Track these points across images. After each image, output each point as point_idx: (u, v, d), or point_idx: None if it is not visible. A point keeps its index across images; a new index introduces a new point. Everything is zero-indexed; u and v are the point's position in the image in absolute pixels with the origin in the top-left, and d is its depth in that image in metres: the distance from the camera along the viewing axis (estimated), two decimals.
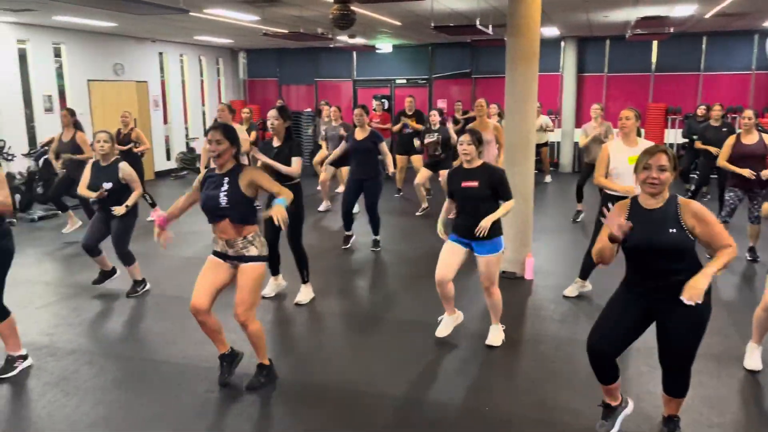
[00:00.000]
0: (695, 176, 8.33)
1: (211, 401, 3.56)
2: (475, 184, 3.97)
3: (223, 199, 3.44)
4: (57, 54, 10.90)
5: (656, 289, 2.79)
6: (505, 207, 4.01)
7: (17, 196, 8.76)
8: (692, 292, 2.60)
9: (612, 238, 2.72)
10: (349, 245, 6.91)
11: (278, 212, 3.32)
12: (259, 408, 3.51)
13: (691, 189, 8.70)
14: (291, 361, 4.13)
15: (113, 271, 5.56)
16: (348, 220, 6.88)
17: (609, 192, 4.67)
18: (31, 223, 8.41)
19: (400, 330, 4.64)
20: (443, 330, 4.34)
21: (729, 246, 2.71)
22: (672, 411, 3.08)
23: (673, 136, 12.59)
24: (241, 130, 6.33)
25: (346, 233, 6.96)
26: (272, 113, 4.90)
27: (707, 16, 9.49)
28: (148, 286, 5.50)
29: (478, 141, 4.03)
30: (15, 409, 3.50)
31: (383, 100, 13.77)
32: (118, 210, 5.13)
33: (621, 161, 4.61)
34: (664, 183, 2.72)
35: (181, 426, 3.30)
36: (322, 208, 9.11)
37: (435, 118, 8.27)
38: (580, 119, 13.38)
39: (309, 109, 14.53)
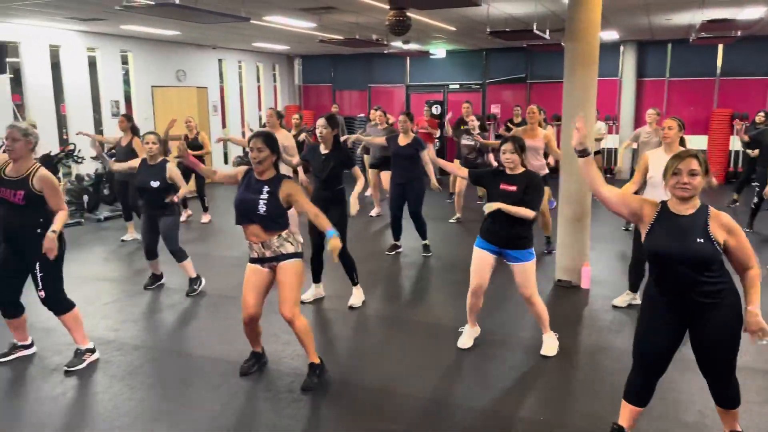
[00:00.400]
0: (757, 187, 7.91)
1: (267, 400, 3.64)
2: (513, 188, 3.94)
3: (262, 207, 3.53)
4: (124, 61, 11.39)
5: (684, 299, 2.72)
6: (521, 210, 3.88)
7: (85, 197, 9.19)
8: (759, 331, 2.58)
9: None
10: (393, 253, 6.91)
11: (335, 246, 3.38)
12: (311, 409, 3.56)
13: (754, 202, 8.30)
14: (334, 362, 4.17)
15: (161, 276, 5.81)
16: (397, 227, 6.86)
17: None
18: (98, 223, 8.80)
19: (439, 333, 4.61)
20: (466, 341, 4.34)
21: (754, 267, 2.68)
22: (731, 426, 2.99)
23: (740, 142, 12.07)
24: (288, 137, 6.46)
25: (394, 242, 6.96)
26: (321, 122, 5.00)
27: None
28: (203, 282, 5.69)
29: (520, 148, 4.00)
30: (82, 400, 3.67)
31: (436, 105, 13.79)
32: (179, 196, 5.39)
33: (660, 170, 4.46)
34: (696, 188, 2.66)
35: (240, 423, 3.39)
36: (373, 213, 9.18)
37: (474, 122, 8.15)
38: (638, 125, 13.03)
39: (362, 114, 14.65)
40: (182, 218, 8.58)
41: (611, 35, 11.32)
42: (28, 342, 4.23)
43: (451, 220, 8.56)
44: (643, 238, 2.79)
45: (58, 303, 3.95)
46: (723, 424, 3.03)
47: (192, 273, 5.61)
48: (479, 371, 4.04)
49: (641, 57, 12.83)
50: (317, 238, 4.93)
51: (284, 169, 7.12)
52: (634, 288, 5.11)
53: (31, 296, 4.02)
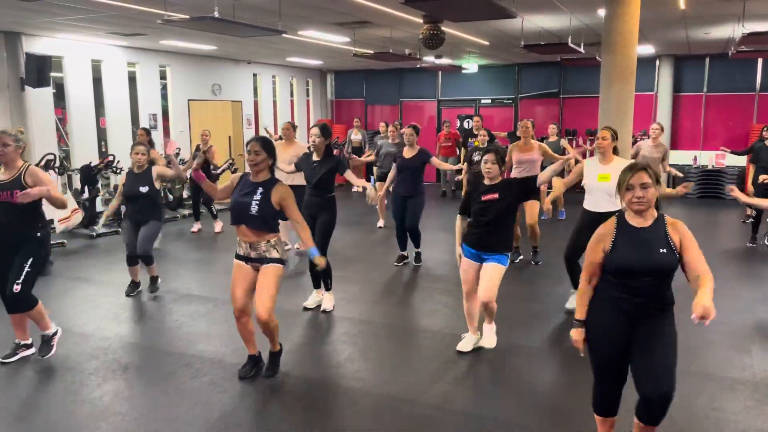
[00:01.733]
0: None
1: (275, 398, 3.65)
2: (495, 195, 4.15)
3: (254, 208, 3.72)
4: (162, 76, 11.69)
5: (640, 307, 2.71)
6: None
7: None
8: (706, 311, 2.43)
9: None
10: (401, 264, 6.92)
11: (320, 264, 3.86)
12: (292, 406, 3.55)
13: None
14: (326, 367, 4.20)
15: (140, 284, 5.90)
16: (402, 238, 6.92)
17: (589, 209, 4.82)
18: (90, 239, 8.81)
19: (442, 341, 4.56)
20: (465, 345, 4.43)
21: (708, 272, 2.64)
22: None
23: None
24: (303, 148, 6.60)
25: (401, 253, 6.99)
26: (315, 131, 5.22)
27: None
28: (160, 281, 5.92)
29: (501, 160, 4.24)
30: (119, 403, 3.72)
31: (468, 119, 13.77)
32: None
33: (592, 178, 4.81)
34: (650, 200, 2.69)
35: (226, 417, 3.40)
36: (380, 224, 9.22)
37: (483, 137, 8.09)
38: (676, 140, 12.81)
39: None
40: (194, 229, 8.89)
41: (647, 49, 11.19)
42: (29, 341, 4.36)
43: None
44: (604, 256, 2.76)
45: (28, 300, 4.11)
46: None
47: (155, 272, 5.86)
48: (473, 377, 4.08)
49: (678, 71, 12.63)
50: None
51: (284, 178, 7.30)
52: (576, 285, 5.13)
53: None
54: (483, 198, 4.17)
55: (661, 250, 2.67)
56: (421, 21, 7.36)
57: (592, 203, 4.81)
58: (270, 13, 7.03)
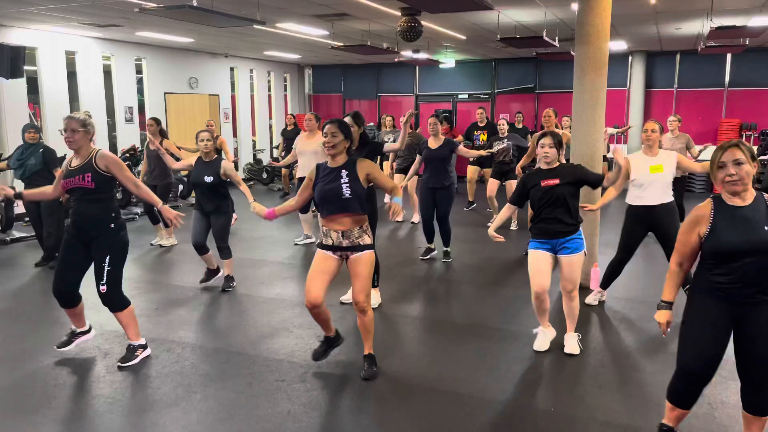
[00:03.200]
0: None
1: (281, 389, 3.69)
2: (556, 181, 4.00)
3: (346, 191, 3.57)
4: (138, 69, 11.58)
5: (745, 294, 2.58)
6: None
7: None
8: None
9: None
10: (428, 257, 6.87)
11: (398, 209, 3.58)
12: (326, 398, 3.61)
13: None
14: (356, 358, 4.21)
15: (218, 270, 5.88)
16: (429, 231, 6.82)
17: (633, 204, 4.83)
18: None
19: (467, 333, 4.66)
20: (542, 344, 4.28)
21: None
22: None
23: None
24: (303, 139, 6.64)
25: (428, 245, 6.91)
26: (347, 120, 5.04)
27: None
28: (235, 283, 5.83)
29: (558, 144, 4.07)
30: (99, 387, 3.73)
31: (446, 114, 13.91)
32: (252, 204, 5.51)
33: (643, 171, 4.74)
34: (745, 177, 2.54)
35: (254, 411, 3.45)
36: (414, 219, 9.02)
37: (504, 126, 8.29)
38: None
39: (371, 123, 14.78)
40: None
41: (620, 45, 11.42)
42: (86, 327, 4.27)
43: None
44: (703, 240, 2.64)
45: (118, 299, 3.99)
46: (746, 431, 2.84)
47: (231, 271, 5.81)
48: (497, 366, 4.08)
49: (650, 67, 12.91)
50: None
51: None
52: (605, 285, 5.26)
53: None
54: (543, 183, 4.00)
55: (766, 228, 2.52)
56: (398, 14, 7.43)
57: (643, 198, 4.72)
58: (248, 4, 7.03)
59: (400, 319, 5.04)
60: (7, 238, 7.68)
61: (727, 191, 2.61)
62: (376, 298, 5.26)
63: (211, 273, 5.86)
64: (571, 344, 4.24)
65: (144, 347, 4.15)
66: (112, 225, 3.90)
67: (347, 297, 5.28)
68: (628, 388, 3.73)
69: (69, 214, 4.05)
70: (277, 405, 3.52)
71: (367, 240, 3.69)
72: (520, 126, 11.24)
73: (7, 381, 3.83)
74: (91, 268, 3.96)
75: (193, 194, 7.39)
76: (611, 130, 8.58)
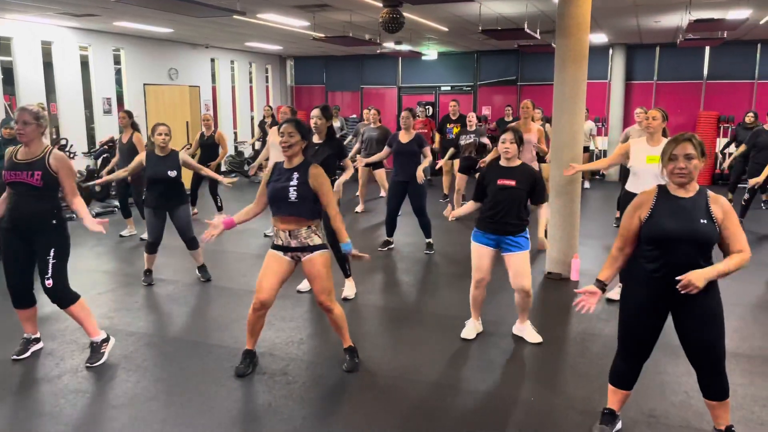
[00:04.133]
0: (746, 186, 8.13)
1: (262, 382, 3.69)
2: (512, 182, 4.00)
3: (292, 194, 3.52)
4: (116, 59, 11.40)
5: (676, 283, 2.65)
6: (546, 210, 4.12)
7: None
8: (690, 277, 2.54)
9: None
10: (386, 249, 6.93)
11: (357, 256, 3.69)
12: (306, 391, 3.61)
13: (745, 198, 8.47)
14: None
15: (152, 271, 5.73)
16: (391, 224, 6.88)
17: (630, 191, 4.69)
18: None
19: (443, 324, 4.69)
20: (470, 332, 4.38)
21: (743, 251, 2.67)
22: (722, 420, 2.91)
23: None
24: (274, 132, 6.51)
25: (387, 238, 6.98)
26: (315, 113, 5.04)
27: (762, 22, 9.28)
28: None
29: (519, 140, 4.07)
30: (78, 382, 3.69)
31: (427, 107, 13.91)
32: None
33: (639, 160, 4.66)
34: (692, 171, 2.65)
35: (234, 404, 3.43)
36: (358, 209, 9.26)
37: (472, 120, 8.36)
38: (627, 127, 13.20)
39: (354, 115, 14.73)
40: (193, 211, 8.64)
41: (600, 38, 11.49)
42: (38, 335, 4.15)
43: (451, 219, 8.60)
44: (642, 223, 2.75)
45: (65, 293, 3.86)
46: (714, 420, 2.94)
47: (201, 260, 5.75)
48: (478, 358, 4.10)
49: (630, 60, 13.01)
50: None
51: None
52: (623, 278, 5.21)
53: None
54: (499, 182, 4.00)
55: (702, 221, 2.63)
56: (380, 5, 7.39)
57: (637, 185, 4.59)
58: None
59: (379, 311, 5.05)
60: None
61: (674, 182, 2.72)
62: (351, 289, 5.27)
63: (151, 273, 5.70)
64: (531, 333, 4.30)
65: (107, 340, 4.02)
66: (54, 221, 3.78)
67: (303, 286, 5.36)
68: (606, 376, 3.76)
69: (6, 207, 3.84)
70: (258, 397, 3.51)
71: (317, 240, 3.62)
72: (510, 119, 11.17)
73: None
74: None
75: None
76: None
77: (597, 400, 3.44)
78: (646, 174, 4.53)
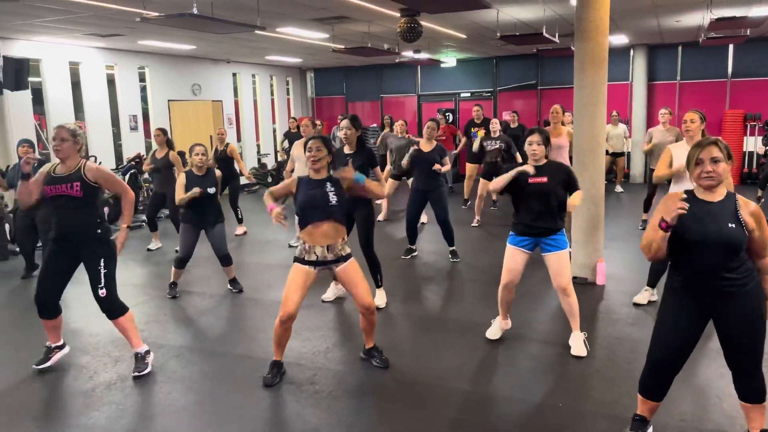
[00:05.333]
0: None
1: (290, 391, 3.73)
2: (544, 179, 3.98)
3: (333, 198, 3.69)
4: (141, 77, 11.66)
5: (710, 287, 2.67)
6: (579, 194, 4.03)
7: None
8: None
9: (665, 225, 2.61)
10: (409, 257, 6.94)
11: (349, 172, 3.78)
12: (334, 400, 3.64)
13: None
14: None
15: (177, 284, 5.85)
16: (412, 233, 6.88)
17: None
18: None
19: (469, 331, 4.69)
20: (495, 332, 4.41)
21: None
22: (757, 424, 2.86)
23: (753, 143, 12.08)
24: (299, 145, 6.59)
25: (410, 246, 6.99)
26: (345, 123, 5.09)
27: None
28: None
29: (546, 141, 4.06)
30: (111, 394, 3.77)
31: (447, 114, 13.95)
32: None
33: (681, 162, 4.48)
34: (720, 175, 2.63)
35: (263, 413, 3.48)
36: (381, 217, 9.28)
37: (495, 126, 8.37)
38: (651, 128, 13.07)
39: (375, 125, 14.80)
40: (238, 231, 8.76)
41: (620, 39, 11.40)
42: (61, 342, 4.26)
43: (473, 224, 8.61)
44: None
45: (117, 304, 3.99)
46: (748, 423, 2.91)
47: (233, 274, 5.87)
48: (505, 364, 4.10)
49: (651, 60, 12.88)
50: None
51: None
52: (652, 284, 5.13)
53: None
54: (531, 181, 3.96)
55: (730, 225, 2.60)
56: (398, 15, 7.45)
57: (682, 189, 4.49)
58: (248, 10, 7.08)
59: (404, 319, 5.06)
60: (17, 249, 7.68)
61: (702, 186, 2.70)
62: (382, 298, 5.29)
63: (176, 286, 5.81)
64: (578, 346, 4.18)
65: (149, 352, 4.15)
66: (99, 230, 3.91)
67: (329, 295, 5.44)
68: (635, 381, 3.72)
69: (50, 225, 3.97)
70: (286, 406, 3.55)
71: (348, 250, 3.81)
72: (516, 125, 11.09)
73: (16, 385, 3.89)
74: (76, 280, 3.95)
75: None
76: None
77: (626, 405, 3.40)
78: (689, 177, 4.45)
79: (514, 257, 4.14)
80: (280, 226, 3.73)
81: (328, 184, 3.74)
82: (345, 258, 3.78)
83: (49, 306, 4.03)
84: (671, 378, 2.88)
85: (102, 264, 3.90)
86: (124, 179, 9.86)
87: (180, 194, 5.51)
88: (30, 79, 9.04)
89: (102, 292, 3.91)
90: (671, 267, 2.82)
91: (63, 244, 3.92)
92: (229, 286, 5.90)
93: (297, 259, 3.77)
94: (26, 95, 9.27)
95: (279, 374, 3.88)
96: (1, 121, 8.94)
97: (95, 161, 9.54)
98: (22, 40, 9.22)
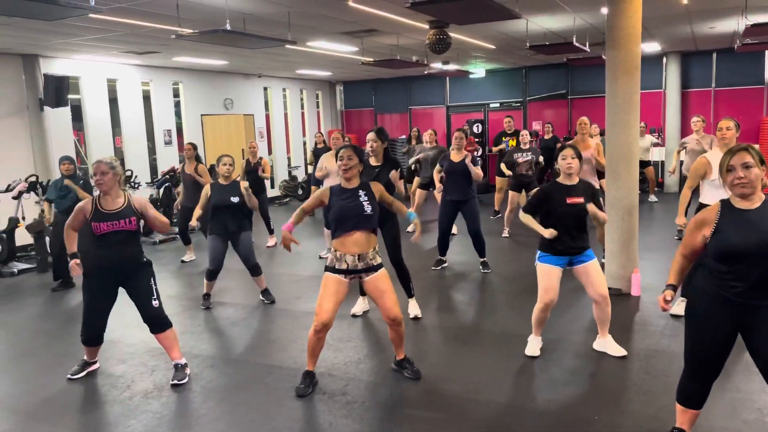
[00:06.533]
0: None
1: (322, 402, 3.74)
2: (580, 200, 3.97)
3: (368, 207, 3.73)
4: (175, 92, 11.93)
5: (748, 297, 2.59)
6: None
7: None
8: None
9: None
10: (439, 268, 6.90)
11: (417, 225, 3.93)
12: (366, 411, 3.64)
13: None
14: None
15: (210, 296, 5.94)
16: (444, 244, 6.84)
17: (705, 203, 4.53)
18: (153, 246, 9.15)
19: (502, 342, 4.65)
20: (535, 350, 4.32)
21: None
22: None
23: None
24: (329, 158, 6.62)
25: (440, 257, 6.94)
26: (371, 136, 5.12)
27: None
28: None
29: (579, 156, 4.04)
30: (148, 403, 3.84)
31: (476, 124, 13.97)
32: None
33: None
34: (753, 181, 2.57)
35: (295, 424, 3.50)
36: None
37: (525, 138, 8.31)
38: (685, 137, 12.83)
39: (403, 136, 14.86)
40: (270, 243, 8.88)
41: (653, 47, 11.25)
42: (96, 359, 4.41)
43: (503, 235, 8.56)
44: (704, 242, 2.69)
45: (164, 317, 4.14)
46: None
47: (264, 285, 5.93)
48: (539, 377, 4.05)
49: (685, 68, 12.67)
50: None
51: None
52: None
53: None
54: (568, 200, 3.94)
55: None
56: (427, 27, 7.50)
57: (718, 198, 4.40)
58: (279, 25, 7.20)
59: (438, 330, 5.04)
60: (15, 270, 7.67)
61: (736, 194, 2.65)
62: (416, 308, 5.28)
63: (209, 297, 5.89)
64: (614, 347, 4.23)
65: (187, 365, 4.25)
66: (144, 259, 4.13)
67: (357, 309, 5.40)
68: (673, 394, 3.63)
69: (95, 256, 4.04)
70: (319, 417, 3.56)
71: (378, 259, 3.82)
72: (549, 136, 11.12)
73: (56, 394, 3.99)
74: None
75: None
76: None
77: (664, 418, 3.32)
78: None
79: (551, 276, 4.06)
80: (285, 250, 3.82)
81: (362, 193, 3.77)
82: (375, 268, 3.78)
83: (96, 337, 4.18)
84: (710, 383, 2.83)
85: (152, 281, 4.10)
86: (158, 193, 10.09)
87: (201, 205, 5.73)
88: (69, 96, 9.35)
89: (155, 303, 4.07)
90: (706, 268, 2.74)
91: (112, 275, 4.03)
92: (261, 297, 5.96)
93: (328, 268, 3.80)
94: (66, 112, 9.58)
95: (311, 384, 3.90)
96: (42, 137, 9.23)
97: (131, 176, 9.79)
98: (62, 58, 9.53)
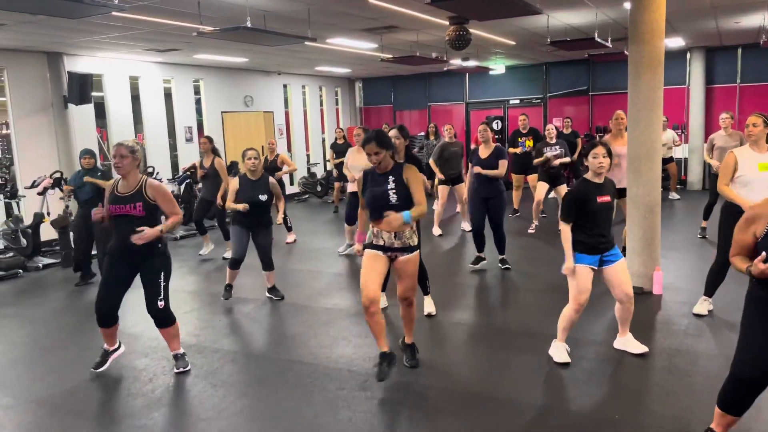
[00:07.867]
0: None
1: (342, 397, 3.75)
2: (608, 198, 3.93)
3: (393, 197, 3.74)
4: (196, 89, 12.03)
5: None
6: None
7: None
8: None
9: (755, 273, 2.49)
10: (478, 266, 6.75)
11: (394, 219, 3.62)
12: (386, 406, 3.64)
13: None
14: (426, 368, 4.24)
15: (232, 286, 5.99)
16: (480, 240, 6.68)
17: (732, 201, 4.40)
18: (174, 242, 9.25)
19: (522, 341, 4.62)
20: (564, 356, 4.15)
21: None
22: None
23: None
24: (354, 154, 6.63)
25: (478, 254, 6.77)
26: (393, 133, 5.09)
27: None
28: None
29: (609, 153, 3.94)
30: (171, 396, 3.89)
31: (496, 121, 13.88)
32: (279, 219, 5.99)
33: (750, 168, 4.33)
34: None
35: (315, 419, 3.52)
36: (436, 231, 8.87)
37: (552, 132, 8.25)
38: (709, 134, 12.61)
39: (422, 133, 14.80)
40: (289, 239, 8.90)
41: (676, 42, 11.07)
42: (117, 345, 4.44)
43: (529, 230, 8.52)
44: (759, 239, 2.55)
45: (170, 314, 4.18)
46: None
47: (273, 281, 5.96)
48: (560, 376, 4.02)
49: (710, 63, 12.45)
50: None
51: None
52: (710, 293, 4.94)
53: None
54: (599, 200, 3.88)
55: None
56: (446, 23, 7.46)
57: (748, 195, 4.22)
58: (299, 22, 7.22)
59: (457, 328, 5.03)
60: (40, 264, 7.79)
61: None
62: (431, 305, 5.27)
63: (231, 288, 5.93)
64: (634, 344, 4.22)
65: (185, 353, 4.34)
66: (159, 245, 4.07)
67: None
68: (697, 395, 3.60)
69: (113, 235, 4.13)
70: (338, 413, 3.58)
71: (415, 240, 3.86)
72: (569, 131, 11.06)
73: (79, 387, 4.06)
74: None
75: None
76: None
77: (688, 420, 3.29)
78: (761, 183, 4.24)
79: (586, 277, 3.94)
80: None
81: (391, 179, 3.76)
82: (411, 249, 3.83)
83: (108, 315, 4.19)
84: (758, 394, 2.70)
85: (162, 277, 4.08)
86: (179, 189, 10.19)
87: (231, 199, 5.66)
88: (93, 93, 9.48)
89: (161, 304, 4.08)
90: (759, 279, 2.57)
91: (124, 256, 4.06)
92: (267, 294, 5.96)
93: (366, 245, 3.89)
94: (89, 109, 9.71)
95: (389, 366, 3.90)
96: (66, 134, 9.37)
97: (153, 172, 9.89)
98: (86, 56, 9.66)
